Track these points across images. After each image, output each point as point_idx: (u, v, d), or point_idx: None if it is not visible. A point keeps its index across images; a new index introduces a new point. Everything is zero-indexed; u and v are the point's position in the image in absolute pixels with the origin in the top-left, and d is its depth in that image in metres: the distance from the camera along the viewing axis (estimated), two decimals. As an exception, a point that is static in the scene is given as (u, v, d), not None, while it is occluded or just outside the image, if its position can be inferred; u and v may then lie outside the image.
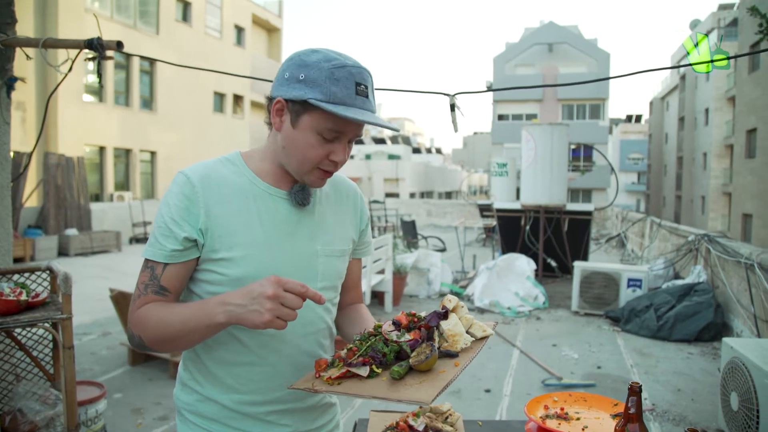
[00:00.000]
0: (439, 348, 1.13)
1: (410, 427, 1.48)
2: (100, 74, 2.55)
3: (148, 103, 18.48)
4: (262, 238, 1.16)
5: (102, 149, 16.77)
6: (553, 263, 9.16)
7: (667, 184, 41.18)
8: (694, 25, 36.00)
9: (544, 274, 8.94)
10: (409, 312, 1.22)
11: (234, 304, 1.01)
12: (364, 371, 1.08)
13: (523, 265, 7.95)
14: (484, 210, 15.96)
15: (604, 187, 32.75)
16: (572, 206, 9.37)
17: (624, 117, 54.58)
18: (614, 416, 1.67)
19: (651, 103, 47.12)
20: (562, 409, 1.67)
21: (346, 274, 1.37)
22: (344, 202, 1.36)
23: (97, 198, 16.46)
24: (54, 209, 12.38)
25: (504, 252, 9.42)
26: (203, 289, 1.17)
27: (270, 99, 1.15)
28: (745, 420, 3.22)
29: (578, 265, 7.17)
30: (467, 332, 1.21)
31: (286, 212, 1.20)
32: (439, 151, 60.33)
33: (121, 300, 4.73)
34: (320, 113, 1.09)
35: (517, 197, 16.32)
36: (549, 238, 9.06)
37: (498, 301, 7.40)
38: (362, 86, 1.11)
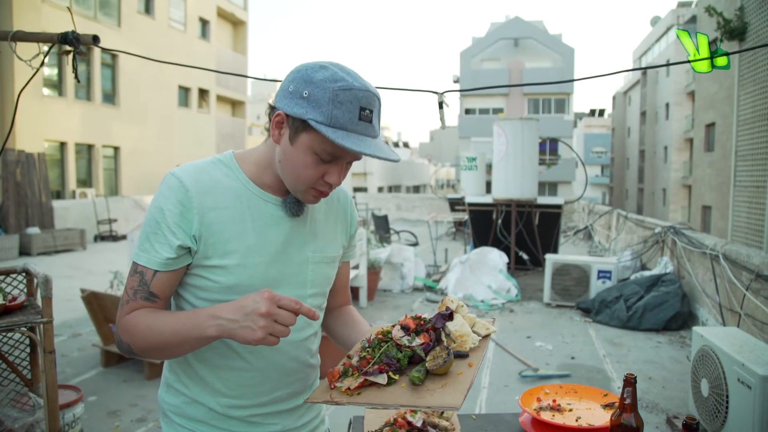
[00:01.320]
0: (449, 348, 1.14)
1: (408, 423, 1.49)
2: (75, 69, 2.48)
3: (110, 97, 17.99)
4: (255, 246, 1.14)
5: (63, 145, 16.27)
6: (525, 256, 9.31)
7: (629, 176, 42.26)
8: (655, 21, 36.94)
9: (516, 267, 9.08)
10: (414, 315, 1.22)
11: (226, 318, 0.99)
12: (382, 379, 1.07)
13: (496, 258, 8.07)
14: (456, 204, 16.09)
15: (569, 180, 33.40)
16: (543, 200, 9.53)
17: (588, 111, 55.71)
18: (605, 406, 1.72)
19: (614, 98, 48.20)
20: (554, 401, 1.71)
21: (335, 277, 1.37)
22: (335, 207, 1.35)
23: (59, 195, 15.96)
24: (14, 207, 11.96)
25: (476, 245, 9.52)
26: (193, 294, 1.16)
27: (272, 108, 1.12)
28: (715, 405, 3.35)
29: (549, 258, 7.31)
30: (472, 330, 1.23)
31: (278, 219, 1.19)
32: (406, 145, 60.53)
33: (93, 300, 4.61)
34: (319, 134, 1.06)
35: (487, 191, 16.51)
36: (520, 232, 9.20)
37: (472, 295, 7.49)
38: (366, 111, 1.07)
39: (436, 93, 2.17)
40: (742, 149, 13.03)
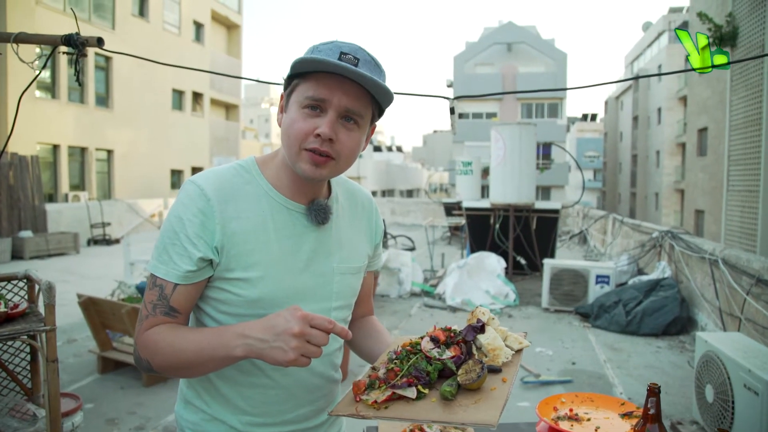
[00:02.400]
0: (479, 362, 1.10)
1: (425, 434, 1.46)
2: (77, 72, 2.44)
3: (103, 100, 17.89)
4: (278, 257, 1.09)
5: (56, 147, 16.14)
6: (523, 261, 9.31)
7: (622, 181, 42.49)
8: (646, 27, 37.23)
9: (513, 271, 9.08)
10: (445, 327, 1.17)
11: (255, 338, 0.94)
12: (411, 393, 1.03)
13: (494, 263, 8.05)
14: (452, 209, 16.09)
15: (562, 184, 33.54)
16: (540, 204, 9.54)
17: (580, 116, 56.01)
18: (623, 416, 1.70)
19: (606, 103, 48.48)
20: (571, 410, 1.68)
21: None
22: (360, 214, 1.29)
23: (51, 198, 15.83)
24: (6, 210, 11.83)
25: (473, 250, 9.51)
26: (215, 308, 1.11)
27: None
28: (720, 411, 3.34)
29: (548, 263, 7.30)
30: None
31: (303, 228, 1.14)
32: (399, 149, 60.58)
33: (90, 306, 4.54)
34: (302, 85, 1.04)
35: (482, 195, 16.52)
36: (518, 236, 9.20)
37: (470, 300, 7.47)
38: (349, 56, 1.02)
39: (447, 99, 2.15)
40: (734, 153, 13.12)
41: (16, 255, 11.35)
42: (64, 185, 16.37)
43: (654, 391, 1.33)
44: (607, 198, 46.28)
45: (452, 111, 2.15)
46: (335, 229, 1.19)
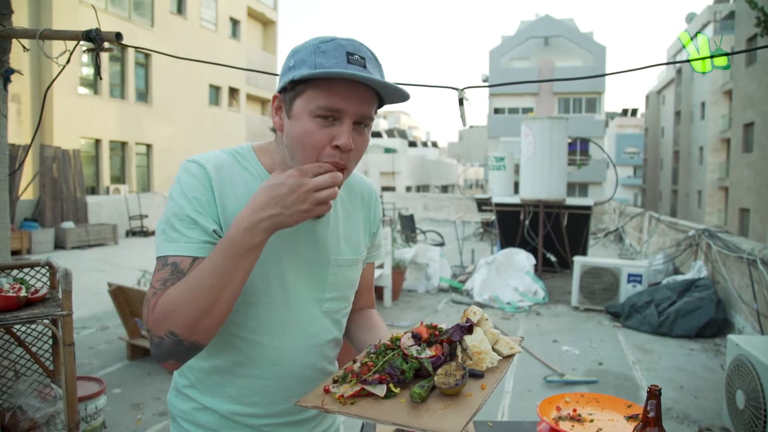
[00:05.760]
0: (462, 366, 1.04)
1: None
2: (98, 66, 2.50)
3: (143, 95, 18.35)
4: (272, 245, 1.06)
5: (98, 142, 16.66)
6: (553, 258, 9.14)
7: (663, 178, 41.28)
8: (690, 18, 35.95)
9: (543, 269, 8.93)
10: (430, 324, 1.11)
11: (267, 217, 0.93)
12: (380, 390, 0.97)
13: (523, 260, 7.94)
14: (483, 204, 15.94)
15: (600, 181, 32.81)
16: (572, 201, 9.35)
17: (620, 111, 54.59)
18: (628, 418, 1.64)
19: (647, 97, 47.15)
20: (574, 410, 1.63)
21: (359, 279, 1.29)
22: (358, 204, 1.26)
23: (93, 191, 16.36)
24: (50, 202, 12.28)
25: (503, 246, 9.40)
26: None
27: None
28: (751, 419, 3.21)
29: (578, 260, 7.15)
30: (493, 349, 1.12)
31: None
32: (435, 144, 60.29)
33: (119, 294, 4.68)
34: (311, 92, 0.98)
35: (515, 191, 16.30)
36: (548, 233, 9.04)
37: (497, 296, 7.38)
38: (356, 56, 0.99)
39: (456, 89, 2.11)
40: (782, 150, 12.56)
41: (59, 245, 11.78)
42: (106, 178, 16.89)
43: (654, 393, 1.27)
44: (648, 195, 45.05)
45: (461, 102, 2.11)
46: (332, 221, 1.17)
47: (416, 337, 1.07)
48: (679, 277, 6.80)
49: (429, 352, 1.04)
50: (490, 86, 2.10)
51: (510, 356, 1.12)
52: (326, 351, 1.20)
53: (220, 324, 0.98)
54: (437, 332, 1.09)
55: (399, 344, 1.07)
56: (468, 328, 1.08)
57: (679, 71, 36.03)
